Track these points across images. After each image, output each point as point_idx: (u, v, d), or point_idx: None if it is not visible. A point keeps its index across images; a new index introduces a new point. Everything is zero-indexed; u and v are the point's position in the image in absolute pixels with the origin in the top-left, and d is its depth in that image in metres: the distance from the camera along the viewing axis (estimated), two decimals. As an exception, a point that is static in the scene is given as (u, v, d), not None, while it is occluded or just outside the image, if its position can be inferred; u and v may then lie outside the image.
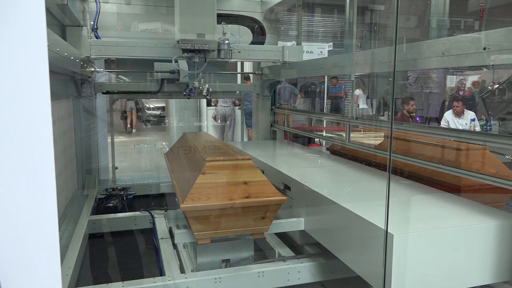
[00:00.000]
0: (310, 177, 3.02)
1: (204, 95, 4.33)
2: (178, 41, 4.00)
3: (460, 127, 6.46)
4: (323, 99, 10.63)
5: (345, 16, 3.54)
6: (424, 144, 2.98)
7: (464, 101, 7.26)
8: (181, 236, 2.57)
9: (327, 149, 4.37)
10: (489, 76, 10.32)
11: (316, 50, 9.13)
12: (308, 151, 4.67)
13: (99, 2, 4.11)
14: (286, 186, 2.99)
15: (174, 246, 3.00)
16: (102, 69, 4.69)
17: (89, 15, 4.15)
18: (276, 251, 2.87)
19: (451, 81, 11.27)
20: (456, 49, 2.15)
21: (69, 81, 4.03)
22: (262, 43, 4.73)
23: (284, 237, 3.07)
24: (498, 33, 1.92)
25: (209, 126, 8.39)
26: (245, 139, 7.38)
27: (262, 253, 3.01)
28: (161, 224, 3.43)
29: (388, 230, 1.80)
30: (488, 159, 2.71)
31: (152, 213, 3.73)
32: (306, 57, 7.24)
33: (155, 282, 2.43)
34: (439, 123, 7.50)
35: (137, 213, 3.85)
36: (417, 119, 8.17)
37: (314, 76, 9.83)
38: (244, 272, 2.49)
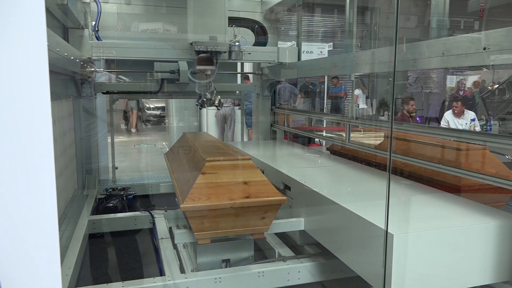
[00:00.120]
0: (310, 177, 3.02)
1: (215, 106, 4.39)
2: (191, 43, 4.03)
3: (460, 127, 6.47)
4: (323, 99, 10.64)
5: (345, 16, 3.54)
6: (424, 144, 2.98)
7: (464, 101, 7.26)
8: (181, 236, 2.57)
9: (327, 149, 4.37)
10: (489, 76, 10.32)
11: (316, 50, 9.13)
12: (308, 151, 4.67)
13: (100, 4, 4.12)
14: (286, 186, 2.99)
15: (174, 246, 3.00)
16: (102, 69, 4.69)
17: (90, 17, 4.15)
18: (276, 251, 2.87)
19: (451, 81, 11.27)
20: (456, 49, 2.15)
21: (69, 81, 4.03)
22: (265, 44, 4.73)
23: (284, 237, 3.06)
24: (498, 33, 1.92)
25: (209, 126, 8.38)
26: (245, 139, 7.38)
27: (262, 253, 3.01)
28: (161, 224, 3.42)
29: (388, 230, 1.80)
30: (488, 159, 2.71)
31: (152, 213, 3.73)
32: (306, 57, 7.26)
33: (155, 282, 2.43)
34: (439, 123, 7.50)
35: (137, 213, 3.85)
36: (417, 119, 8.17)
37: (314, 76, 9.84)
38: (244, 272, 2.49)
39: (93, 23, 4.12)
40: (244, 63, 6.19)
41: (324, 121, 7.12)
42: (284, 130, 5.19)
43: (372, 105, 10.46)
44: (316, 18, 12.21)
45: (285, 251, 2.85)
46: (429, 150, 2.88)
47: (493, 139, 2.28)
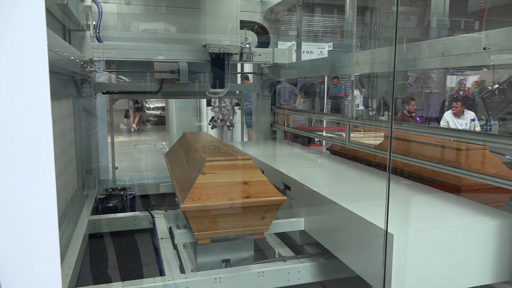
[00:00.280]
0: (310, 177, 3.02)
1: (227, 126, 4.53)
2: (204, 45, 4.07)
3: (460, 127, 6.46)
4: (323, 99, 10.64)
5: (345, 16, 3.54)
6: (424, 144, 2.98)
7: (464, 101, 7.26)
8: (181, 236, 2.57)
9: (327, 149, 4.37)
10: (489, 76, 10.32)
11: (316, 50, 9.14)
12: (308, 151, 4.67)
13: (101, 6, 4.12)
14: (286, 186, 2.99)
15: (174, 246, 3.00)
16: (102, 69, 4.69)
17: (92, 18, 4.16)
18: (276, 251, 2.87)
19: (451, 81, 11.28)
20: (456, 49, 2.16)
21: (69, 81, 4.03)
22: (267, 45, 4.75)
23: (284, 237, 3.06)
24: (498, 33, 1.92)
25: (209, 126, 8.38)
26: (245, 139, 7.38)
27: (262, 253, 3.01)
28: (161, 224, 3.43)
29: (388, 230, 1.80)
30: (488, 159, 2.72)
31: (152, 213, 3.73)
32: (306, 57, 7.26)
33: (155, 282, 2.43)
34: (439, 123, 7.50)
35: (137, 213, 3.85)
36: (417, 119, 8.17)
37: (314, 76, 9.84)
38: (244, 272, 2.49)
39: (94, 23, 4.13)
40: (244, 63, 6.20)
41: (324, 121, 7.13)
42: (284, 130, 5.19)
43: (368, 106, 10.43)
44: (316, 18, 12.20)
45: (285, 251, 2.85)
46: (429, 150, 2.88)
47: (493, 139, 2.28)
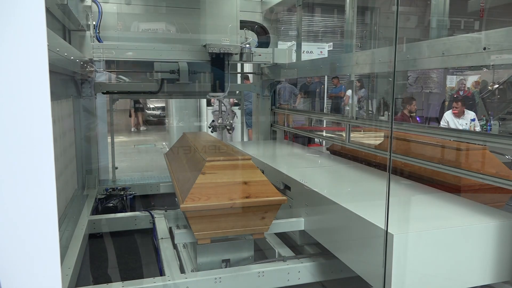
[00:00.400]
0: (310, 177, 3.02)
1: (227, 129, 4.57)
2: (204, 45, 4.08)
3: (460, 127, 6.46)
4: (323, 99, 10.64)
5: (345, 16, 3.54)
6: (424, 144, 2.98)
7: (464, 101, 7.26)
8: (181, 236, 2.57)
9: (327, 149, 4.37)
10: (489, 76, 10.32)
11: (316, 50, 9.14)
12: (308, 151, 4.67)
13: (101, 6, 4.13)
14: (286, 186, 2.99)
15: (174, 246, 3.00)
16: (102, 69, 4.69)
17: (92, 18, 4.16)
18: (276, 251, 2.87)
19: (451, 81, 11.28)
20: (456, 49, 2.16)
21: (69, 81, 4.03)
22: (267, 45, 4.75)
23: (284, 237, 3.06)
24: (498, 33, 1.92)
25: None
26: (245, 139, 7.38)
27: (262, 253, 3.01)
28: (161, 224, 3.43)
29: (388, 230, 1.80)
30: (488, 159, 2.71)
31: (152, 213, 3.73)
32: (306, 57, 7.26)
33: (155, 282, 2.43)
34: (439, 123, 7.50)
35: (137, 213, 3.85)
36: (417, 119, 8.17)
37: (313, 76, 9.84)
38: (244, 272, 2.49)
39: (94, 23, 4.13)
40: (244, 64, 6.21)
41: (324, 121, 7.13)
42: (284, 130, 5.19)
43: (361, 107, 10.40)
44: (316, 18, 12.21)
45: (285, 251, 2.85)
46: (429, 150, 2.88)
47: (493, 139, 2.28)
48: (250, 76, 6.14)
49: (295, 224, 2.72)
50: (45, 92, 0.82)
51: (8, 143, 0.80)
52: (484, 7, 7.56)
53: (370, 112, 10.40)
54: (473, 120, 6.67)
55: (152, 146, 9.55)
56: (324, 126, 7.13)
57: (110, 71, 4.80)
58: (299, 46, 4.63)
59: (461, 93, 9.76)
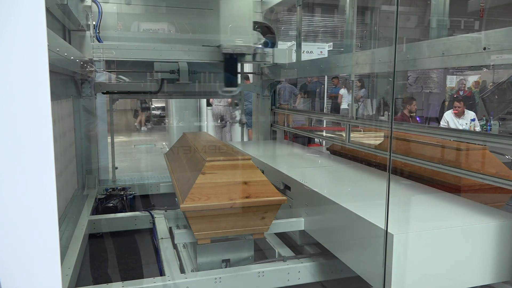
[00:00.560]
0: (310, 177, 3.02)
1: (239, 123, 4.61)
2: (218, 46, 4.12)
3: (460, 127, 6.47)
4: (323, 99, 10.64)
5: (345, 16, 3.54)
6: (424, 144, 2.98)
7: (464, 101, 7.26)
8: (181, 236, 2.57)
9: (327, 149, 4.37)
10: (489, 76, 10.32)
11: (316, 50, 9.14)
12: (308, 151, 4.67)
13: (101, 6, 4.13)
14: (286, 186, 2.99)
15: (174, 246, 3.00)
16: (102, 69, 4.69)
17: (92, 18, 4.16)
18: (276, 251, 2.87)
19: (451, 81, 11.28)
20: (456, 49, 2.16)
21: (69, 81, 4.03)
22: (273, 45, 4.77)
23: (284, 237, 3.06)
24: (498, 33, 1.92)
25: (209, 126, 8.38)
26: (245, 139, 7.38)
27: (262, 253, 3.01)
28: (161, 224, 3.42)
29: (388, 230, 1.80)
30: (488, 159, 2.71)
31: (152, 213, 3.73)
32: (306, 57, 7.26)
33: (155, 282, 2.43)
34: (439, 123, 7.51)
35: (137, 213, 3.84)
36: (417, 119, 8.17)
37: (313, 76, 9.84)
38: (244, 272, 2.49)
39: (94, 23, 4.13)
40: (244, 64, 6.21)
41: (324, 121, 7.13)
42: (284, 130, 5.19)
43: (364, 108, 10.41)
44: (316, 18, 12.21)
45: (285, 251, 2.85)
46: (429, 150, 2.88)
47: (493, 139, 2.28)
48: (250, 76, 6.14)
49: (295, 224, 2.72)
50: (45, 92, 0.82)
51: (8, 143, 0.80)
52: (484, 7, 7.56)
53: (368, 115, 10.41)
54: (473, 120, 6.67)
55: (152, 146, 9.55)
56: (324, 126, 7.13)
57: (110, 71, 4.80)
58: (299, 46, 4.62)
59: (461, 93, 9.77)
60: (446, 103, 10.15)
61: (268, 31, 4.74)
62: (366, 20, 11.41)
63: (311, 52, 9.09)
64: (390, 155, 2.84)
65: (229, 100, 7.89)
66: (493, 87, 9.64)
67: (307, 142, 7.09)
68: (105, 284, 2.41)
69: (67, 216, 3.44)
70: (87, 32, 4.00)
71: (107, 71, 4.78)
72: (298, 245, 2.89)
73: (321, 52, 9.19)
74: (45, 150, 0.83)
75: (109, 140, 5.05)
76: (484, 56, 1.98)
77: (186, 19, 4.71)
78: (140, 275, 2.97)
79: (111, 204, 4.16)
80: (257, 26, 4.62)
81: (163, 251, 2.91)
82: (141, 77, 4.83)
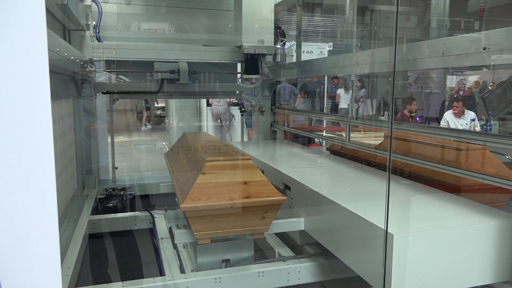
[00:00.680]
0: (310, 177, 3.02)
1: (260, 111, 4.67)
2: (239, 46, 4.19)
3: (460, 127, 6.47)
4: (323, 99, 10.64)
5: (345, 16, 3.54)
6: (424, 144, 2.98)
7: (464, 101, 7.26)
8: (181, 236, 2.57)
9: (327, 149, 4.37)
10: (489, 76, 10.33)
11: (316, 50, 9.14)
12: (308, 151, 4.67)
13: (101, 6, 4.13)
14: (286, 186, 2.99)
15: (174, 246, 3.00)
16: (102, 69, 4.69)
17: (91, 18, 4.16)
18: (276, 251, 2.87)
19: (451, 81, 11.28)
20: (456, 49, 2.16)
21: (69, 81, 4.03)
22: (283, 45, 4.80)
23: (284, 237, 3.06)
24: (498, 33, 1.92)
25: (209, 126, 8.39)
26: (245, 139, 7.38)
27: (262, 253, 3.01)
28: (161, 224, 3.42)
29: (388, 230, 1.80)
30: (488, 159, 2.71)
31: (152, 213, 3.73)
32: (306, 57, 7.26)
33: (155, 282, 2.43)
34: (439, 123, 7.51)
35: (137, 213, 3.84)
36: (417, 119, 8.17)
37: (313, 76, 9.84)
38: (244, 272, 2.49)
39: (94, 23, 4.13)
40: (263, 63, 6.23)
41: (324, 121, 7.13)
42: (284, 130, 5.19)
43: (356, 107, 10.41)
44: (316, 18, 12.21)
45: (285, 251, 2.85)
46: (429, 150, 2.88)
47: (493, 139, 2.28)
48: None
49: (295, 224, 2.72)
50: (45, 92, 0.82)
51: (8, 143, 0.80)
52: (484, 7, 7.56)
53: (367, 115, 10.41)
54: (473, 120, 6.67)
55: (152, 146, 9.55)
56: (324, 126, 7.13)
57: (110, 71, 4.80)
58: (299, 46, 4.63)
59: (461, 93, 9.77)
60: (446, 103, 10.15)
61: (281, 33, 4.78)
62: (366, 20, 11.41)
63: (311, 52, 9.09)
64: (390, 155, 2.84)
65: (228, 100, 7.90)
66: (493, 87, 9.64)
67: (307, 142, 7.09)
68: (105, 284, 2.41)
69: (67, 216, 3.44)
70: (87, 32, 4.00)
71: (107, 71, 4.78)
72: (298, 245, 2.89)
73: (321, 52, 9.19)
74: (45, 150, 0.83)
75: (109, 140, 5.05)
76: (484, 56, 1.98)
77: (188, 19, 4.71)
78: (140, 275, 2.97)
79: (111, 204, 4.16)
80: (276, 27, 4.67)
81: (163, 251, 2.91)
82: (141, 77, 4.83)
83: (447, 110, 7.47)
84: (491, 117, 8.52)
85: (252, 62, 4.24)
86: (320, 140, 7.24)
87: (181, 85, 4.57)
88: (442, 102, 10.71)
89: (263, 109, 4.71)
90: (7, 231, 0.82)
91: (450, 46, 2.19)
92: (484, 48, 1.97)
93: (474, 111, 7.51)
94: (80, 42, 3.98)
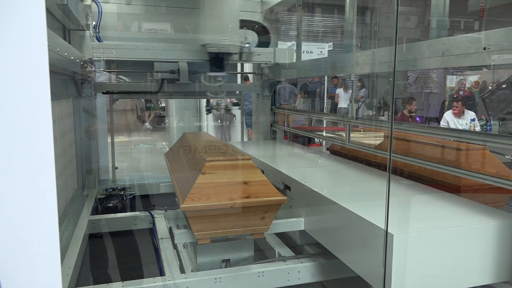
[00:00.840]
0: (310, 177, 3.02)
1: (227, 110, 4.57)
2: (203, 45, 4.08)
3: (460, 127, 6.47)
4: (323, 99, 10.65)
5: (345, 16, 3.54)
6: (424, 144, 2.98)
7: (464, 101, 7.26)
8: (181, 236, 2.57)
9: (327, 149, 4.37)
10: (489, 76, 10.33)
11: (316, 50, 9.14)
12: (308, 151, 4.67)
13: (101, 5, 4.13)
14: (286, 186, 2.99)
15: (174, 246, 3.00)
16: (102, 69, 4.69)
17: (91, 18, 4.16)
18: (276, 251, 2.87)
19: (451, 81, 11.29)
20: (456, 49, 2.15)
21: (69, 81, 4.03)
22: (268, 44, 4.75)
23: (284, 237, 3.07)
24: (498, 33, 1.92)
25: (209, 126, 8.38)
26: (245, 139, 7.38)
27: (262, 253, 3.01)
28: (161, 224, 3.42)
29: (388, 230, 1.80)
30: (488, 159, 2.71)
31: (152, 213, 3.73)
32: (306, 57, 7.26)
33: (155, 282, 2.43)
34: (439, 123, 7.51)
35: (137, 213, 3.84)
36: (417, 119, 8.17)
37: (313, 76, 9.84)
38: (244, 272, 2.49)
39: (94, 23, 4.13)
40: (244, 64, 6.21)
41: (324, 121, 7.13)
42: (284, 130, 5.19)
43: (355, 106, 10.40)
44: (316, 18, 12.21)
45: (285, 251, 2.85)
46: (429, 150, 2.88)
47: (493, 139, 2.28)
48: (250, 76, 6.14)
49: (295, 224, 2.72)
50: (45, 92, 0.82)
51: (8, 143, 0.80)
52: (484, 7, 7.56)
53: (368, 115, 10.41)
54: (473, 120, 6.67)
55: (152, 146, 9.55)
56: (324, 126, 7.13)
57: (110, 71, 4.80)
58: (299, 46, 4.63)
59: (461, 93, 9.77)
60: (446, 103, 10.16)
61: (263, 31, 4.73)
62: (366, 20, 11.41)
63: (311, 52, 9.09)
64: (390, 155, 2.84)
65: (228, 100, 7.89)
66: (493, 87, 9.64)
67: (307, 142, 7.10)
68: (105, 284, 2.41)
69: (67, 216, 3.44)
70: (87, 32, 4.00)
71: (107, 71, 4.78)
72: (298, 245, 2.89)
73: (321, 52, 9.19)
74: (45, 150, 0.83)
75: (109, 140, 5.05)
76: (484, 56, 1.98)
77: (183, 19, 4.70)
78: (140, 275, 2.97)
79: (111, 204, 4.16)
80: (249, 24, 4.61)
81: (163, 251, 2.91)
82: (141, 77, 4.83)
83: (447, 110, 7.47)
84: (491, 117, 8.52)
85: (217, 61, 4.17)
86: (320, 140, 7.25)
87: (181, 85, 4.57)
88: (442, 102, 10.72)
89: (230, 108, 4.66)
90: (7, 231, 0.82)
91: (450, 46, 2.19)
92: (484, 48, 1.97)
93: (474, 111, 7.52)
94: (80, 42, 3.97)
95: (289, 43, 7.69)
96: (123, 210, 4.16)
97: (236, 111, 8.25)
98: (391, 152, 2.90)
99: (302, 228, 2.70)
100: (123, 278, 2.71)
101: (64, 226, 3.24)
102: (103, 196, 4.34)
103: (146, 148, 9.39)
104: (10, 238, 0.83)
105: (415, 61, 2.46)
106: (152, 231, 3.64)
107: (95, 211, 4.02)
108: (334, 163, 3.68)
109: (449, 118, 6.74)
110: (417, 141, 3.07)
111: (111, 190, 4.43)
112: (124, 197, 4.31)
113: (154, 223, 3.55)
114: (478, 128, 6.73)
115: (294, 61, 4.60)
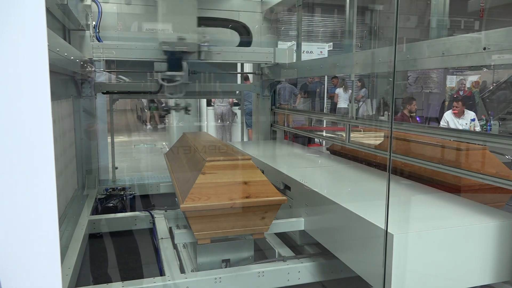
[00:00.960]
0: (310, 177, 3.02)
1: (185, 110, 4.50)
2: (160, 43, 4.02)
3: (460, 127, 6.46)
4: (323, 99, 10.64)
5: (345, 16, 3.54)
6: (424, 144, 2.98)
7: (464, 101, 7.26)
8: (181, 236, 2.57)
9: (327, 149, 4.37)
10: (489, 76, 10.33)
11: (316, 50, 9.15)
12: (308, 151, 4.67)
13: (101, 5, 4.12)
14: (286, 186, 2.99)
15: (174, 246, 3.00)
16: (102, 69, 4.69)
17: (91, 18, 4.16)
18: (276, 251, 2.87)
19: (451, 81, 11.28)
20: (456, 49, 2.16)
21: (69, 81, 4.03)
22: (249, 44, 4.73)
23: (284, 237, 3.07)
24: (498, 33, 1.93)
25: (209, 126, 8.39)
26: (245, 139, 7.38)
27: (262, 253, 3.01)
28: (161, 224, 3.43)
29: (388, 230, 1.80)
30: (488, 159, 2.72)
31: (152, 213, 3.73)
32: (306, 57, 7.27)
33: (155, 282, 2.43)
34: (439, 123, 7.51)
35: (137, 213, 3.84)
36: (417, 119, 8.17)
37: (313, 76, 9.84)
38: (244, 272, 2.49)
39: (94, 23, 4.12)
40: (244, 64, 6.21)
41: (324, 121, 7.13)
42: (284, 130, 5.19)
43: (353, 105, 10.38)
44: (316, 18, 12.21)
45: (285, 251, 2.85)
46: (429, 150, 2.88)
47: (493, 139, 2.28)
48: (250, 76, 6.14)
49: (295, 224, 2.72)
50: (45, 92, 0.82)
51: (8, 143, 0.80)
52: (484, 7, 7.56)
53: (368, 115, 10.41)
54: (473, 120, 6.67)
55: (152, 146, 9.55)
56: (324, 126, 7.14)
57: (110, 71, 4.80)
58: (299, 46, 4.63)
59: (461, 93, 9.77)
60: (446, 103, 10.15)
61: (244, 30, 4.72)
62: (366, 20, 11.41)
63: (311, 52, 9.09)
64: (390, 155, 2.84)
65: (230, 100, 7.91)
66: (493, 87, 9.64)
67: (307, 142, 7.10)
68: (105, 284, 2.41)
69: (67, 216, 3.44)
70: (87, 32, 4.00)
71: (107, 71, 4.78)
72: (298, 245, 2.89)
73: (321, 52, 9.19)
74: (45, 150, 0.83)
75: (109, 140, 5.05)
76: (484, 56, 1.98)
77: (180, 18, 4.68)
78: (140, 275, 2.97)
79: (111, 204, 4.16)
80: (233, 25, 4.59)
81: (163, 251, 2.91)
82: (141, 77, 4.82)
83: (447, 110, 7.47)
84: (491, 117, 8.52)
85: (174, 60, 4.10)
86: (320, 140, 7.25)
87: (181, 85, 4.57)
88: (442, 102, 10.71)
89: (189, 108, 4.59)
90: (7, 231, 0.82)
91: (450, 46, 2.19)
92: (484, 48, 1.97)
93: (474, 111, 7.51)
94: (80, 42, 3.97)
95: (289, 43, 7.70)
96: (123, 210, 4.16)
97: (236, 111, 8.26)
98: (391, 152, 2.90)
99: (302, 228, 2.70)
100: (123, 278, 2.71)
101: (64, 226, 3.24)
102: (103, 196, 4.34)
103: (146, 148, 9.39)
104: (10, 238, 0.83)
105: (415, 61, 2.46)
106: (152, 231, 3.64)
107: (95, 211, 4.02)
108: (334, 163, 3.68)
109: (449, 118, 6.73)
110: (417, 141, 3.07)
111: (111, 190, 4.43)
112: (124, 197, 4.31)
113: (154, 223, 3.55)
114: (478, 128, 6.73)
115: (294, 61, 4.60)
